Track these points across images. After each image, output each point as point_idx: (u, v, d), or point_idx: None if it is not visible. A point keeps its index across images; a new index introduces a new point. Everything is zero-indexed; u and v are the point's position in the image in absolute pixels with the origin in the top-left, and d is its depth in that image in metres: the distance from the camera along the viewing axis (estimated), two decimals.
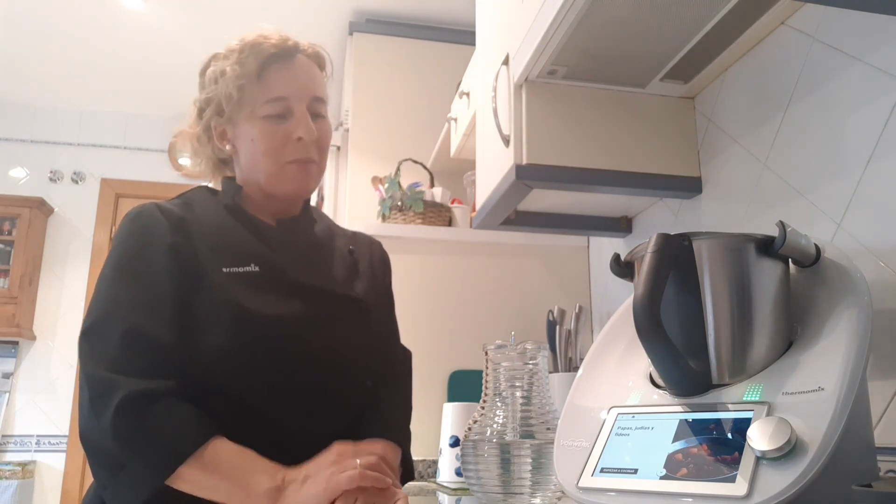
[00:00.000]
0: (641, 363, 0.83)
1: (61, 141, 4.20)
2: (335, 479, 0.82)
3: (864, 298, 0.69)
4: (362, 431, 0.98)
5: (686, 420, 0.71)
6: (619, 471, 0.72)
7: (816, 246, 0.76)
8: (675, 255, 0.73)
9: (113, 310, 0.90)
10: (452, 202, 2.17)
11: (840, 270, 0.74)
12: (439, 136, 2.33)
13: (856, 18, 0.95)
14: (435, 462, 1.75)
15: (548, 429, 0.95)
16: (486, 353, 1.02)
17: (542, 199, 1.52)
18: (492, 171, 1.44)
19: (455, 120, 2.10)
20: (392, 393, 1.09)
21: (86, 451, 0.87)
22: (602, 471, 0.73)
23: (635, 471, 0.70)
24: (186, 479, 0.83)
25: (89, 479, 0.97)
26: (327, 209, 2.58)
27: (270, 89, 1.02)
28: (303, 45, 1.07)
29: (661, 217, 1.52)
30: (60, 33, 3.32)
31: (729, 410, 0.69)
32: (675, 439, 0.70)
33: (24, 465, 3.68)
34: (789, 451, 0.60)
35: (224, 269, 0.95)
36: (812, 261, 0.75)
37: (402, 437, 1.03)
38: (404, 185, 2.11)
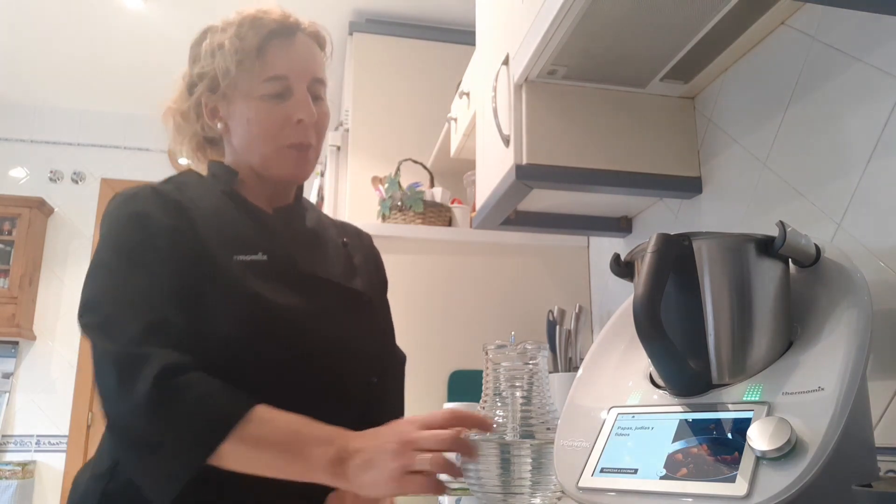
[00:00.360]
0: (641, 363, 0.83)
1: (61, 141, 4.21)
2: (403, 481, 0.74)
3: (864, 298, 0.69)
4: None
5: (686, 420, 0.71)
6: (619, 471, 0.72)
7: (816, 246, 0.76)
8: (675, 255, 0.73)
9: (127, 297, 0.85)
10: (452, 202, 2.17)
11: (840, 270, 0.73)
12: (439, 136, 2.33)
13: (856, 18, 0.95)
14: None
15: (548, 429, 0.95)
16: (486, 353, 1.02)
17: (542, 199, 1.52)
18: (492, 171, 1.44)
19: (455, 120, 2.10)
20: (394, 394, 1.09)
21: (115, 437, 0.82)
22: (602, 471, 0.73)
23: (635, 471, 0.70)
24: (232, 454, 0.77)
25: None
26: (327, 209, 2.58)
27: (270, 67, 0.97)
28: (304, 24, 1.03)
29: (661, 217, 1.52)
30: (60, 33, 3.32)
31: (729, 410, 0.69)
32: (675, 439, 0.70)
33: (24, 465, 3.68)
34: (789, 451, 0.60)
35: (236, 258, 0.91)
36: (812, 261, 0.75)
37: None
38: (404, 185, 2.11)
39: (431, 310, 1.95)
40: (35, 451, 3.83)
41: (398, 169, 2.20)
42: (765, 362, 0.71)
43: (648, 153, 1.33)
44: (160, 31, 3.19)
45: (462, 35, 2.69)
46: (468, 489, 0.97)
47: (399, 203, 2.07)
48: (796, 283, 0.76)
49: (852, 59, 0.95)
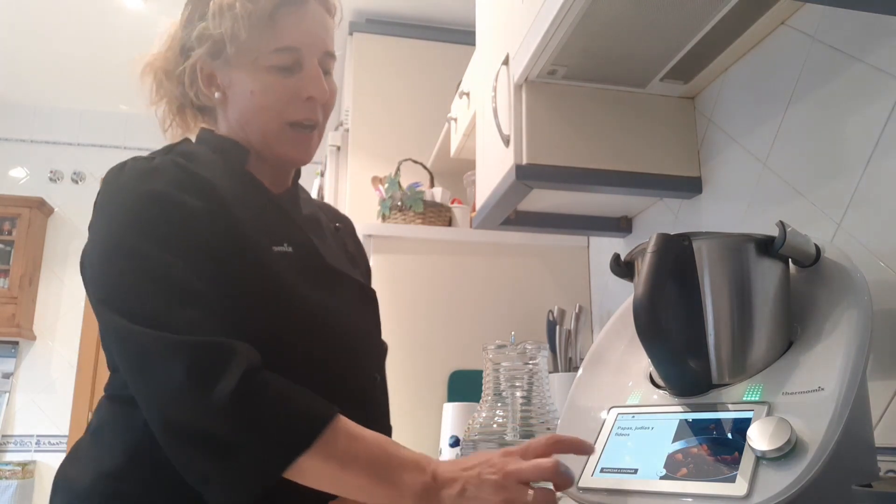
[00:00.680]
0: (641, 363, 0.83)
1: (61, 141, 4.21)
2: None
3: (864, 298, 0.69)
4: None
5: (686, 420, 0.71)
6: (619, 471, 0.72)
7: (816, 246, 0.76)
8: (675, 255, 0.73)
9: (175, 286, 0.74)
10: (452, 202, 2.17)
11: (840, 270, 0.74)
12: (439, 136, 2.33)
13: (856, 18, 0.95)
14: None
15: (548, 429, 0.95)
16: (487, 353, 1.02)
17: (542, 199, 1.52)
18: (492, 171, 1.44)
19: (455, 120, 2.10)
20: (386, 389, 1.07)
21: (178, 440, 0.70)
22: (602, 471, 0.73)
23: (635, 471, 0.70)
24: (313, 468, 0.69)
25: None
26: None
27: (281, 36, 0.89)
28: None
29: (661, 217, 1.52)
30: (60, 33, 3.33)
31: (729, 410, 0.69)
32: (675, 439, 0.70)
33: (24, 465, 3.68)
34: (789, 451, 0.60)
35: (274, 248, 0.83)
36: (812, 261, 0.75)
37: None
38: (404, 185, 2.11)
39: (431, 310, 1.95)
40: (35, 451, 3.83)
41: (398, 169, 2.20)
42: (765, 362, 0.71)
43: (648, 153, 1.33)
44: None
45: (462, 35, 2.69)
46: None
47: (399, 203, 2.07)
48: (796, 283, 0.76)
49: (852, 59, 0.95)
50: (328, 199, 2.63)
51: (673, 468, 0.67)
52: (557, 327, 1.62)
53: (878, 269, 0.88)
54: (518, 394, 0.98)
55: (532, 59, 1.21)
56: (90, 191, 4.16)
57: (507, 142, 1.31)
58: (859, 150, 0.93)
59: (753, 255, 0.74)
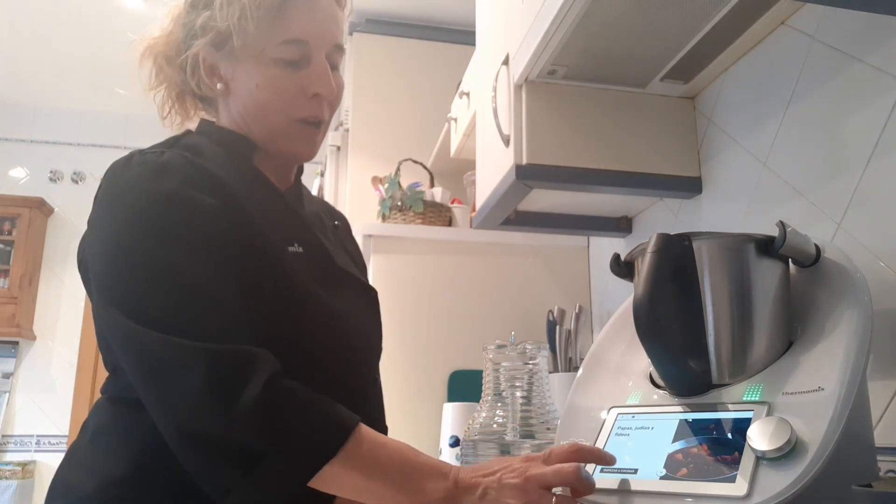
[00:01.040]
0: (641, 363, 0.83)
1: (61, 141, 4.21)
2: None
3: (864, 298, 0.69)
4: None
5: (686, 420, 0.71)
6: (619, 471, 0.72)
7: (816, 246, 0.76)
8: (675, 255, 0.73)
9: (199, 290, 0.72)
10: (452, 202, 2.17)
11: (840, 270, 0.74)
12: (439, 136, 2.33)
13: (856, 18, 0.95)
14: None
15: (548, 429, 0.95)
16: (487, 353, 1.02)
17: (542, 199, 1.52)
18: (492, 171, 1.44)
19: (455, 120, 2.10)
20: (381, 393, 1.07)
21: (198, 450, 0.68)
22: (602, 471, 0.73)
23: (635, 471, 0.70)
24: (337, 476, 0.68)
25: None
26: None
27: (290, 28, 0.85)
28: None
29: (661, 217, 1.52)
30: (60, 33, 3.33)
31: (729, 410, 0.69)
32: (675, 439, 0.70)
33: (24, 465, 3.69)
34: (789, 451, 0.60)
35: (290, 249, 0.81)
36: (812, 261, 0.75)
37: None
38: (404, 185, 2.11)
39: (431, 310, 1.95)
40: (35, 451, 3.83)
41: (398, 169, 2.20)
42: (765, 362, 0.71)
43: (648, 153, 1.33)
44: None
45: (462, 35, 2.69)
46: None
47: (399, 203, 2.07)
48: (796, 283, 0.76)
49: (852, 59, 0.95)
50: (328, 199, 2.63)
51: (673, 468, 0.67)
52: (557, 327, 1.62)
53: (878, 269, 0.88)
54: (518, 394, 0.98)
55: (532, 60, 1.21)
56: (90, 191, 4.14)
57: (507, 142, 1.31)
58: (859, 150, 0.93)
59: (753, 255, 0.74)
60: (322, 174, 2.93)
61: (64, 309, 4.01)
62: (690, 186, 1.34)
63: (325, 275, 0.86)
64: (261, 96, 0.87)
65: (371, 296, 0.99)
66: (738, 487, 0.61)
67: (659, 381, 0.78)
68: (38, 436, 3.85)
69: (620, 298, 1.65)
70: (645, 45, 1.18)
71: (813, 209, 1.01)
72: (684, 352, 0.73)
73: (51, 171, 4.18)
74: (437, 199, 2.12)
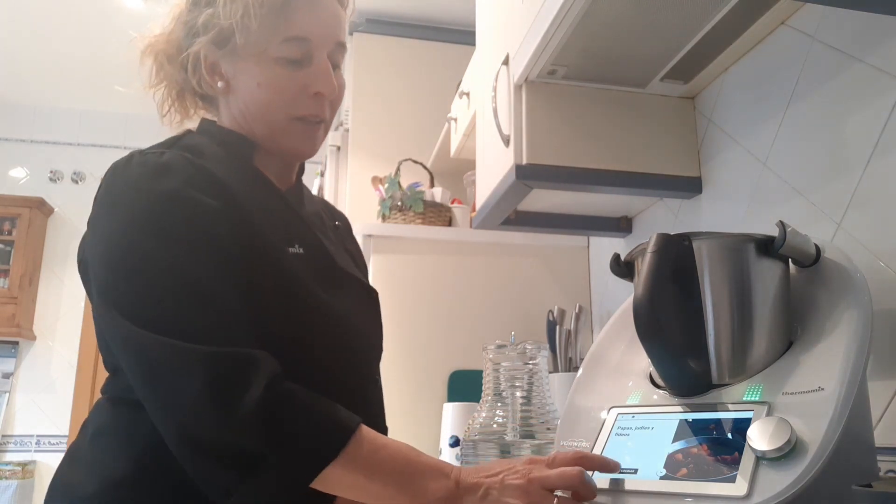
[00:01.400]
0: (641, 363, 0.83)
1: (61, 141, 4.21)
2: None
3: (864, 298, 0.69)
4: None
5: (686, 420, 0.71)
6: (620, 471, 0.72)
7: (816, 246, 0.76)
8: (675, 255, 0.73)
9: (198, 292, 0.72)
10: (452, 202, 2.17)
11: (840, 270, 0.74)
12: (439, 136, 2.33)
13: (856, 18, 0.95)
14: None
15: (548, 429, 0.95)
16: (487, 353, 1.02)
17: (542, 199, 1.52)
18: (492, 171, 1.44)
19: (455, 120, 2.10)
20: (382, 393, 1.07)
21: (199, 453, 0.68)
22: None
23: (635, 471, 0.70)
24: (338, 477, 0.69)
25: None
26: None
27: (292, 25, 0.85)
28: None
29: (661, 217, 1.52)
30: (60, 33, 3.33)
31: (729, 410, 0.69)
32: (675, 439, 0.70)
33: (24, 465, 3.69)
34: (789, 451, 0.60)
35: (290, 250, 0.81)
36: (812, 261, 0.75)
37: None
38: (404, 185, 2.11)
39: (431, 310, 1.95)
40: (35, 451, 3.83)
41: (398, 169, 2.20)
42: (765, 362, 0.71)
43: (648, 153, 1.33)
44: None
45: (462, 35, 2.69)
46: None
47: (399, 203, 2.07)
48: (796, 283, 0.76)
49: (852, 59, 0.95)
50: (328, 199, 2.63)
51: (673, 468, 0.67)
52: (557, 327, 1.62)
53: (878, 269, 0.88)
54: (518, 394, 0.98)
55: (532, 60, 1.21)
56: (90, 191, 4.14)
57: (507, 142, 1.31)
58: (859, 150, 0.93)
59: (753, 255, 0.74)
60: (322, 174, 2.93)
61: (64, 309, 4.01)
62: (690, 186, 1.34)
63: (326, 275, 0.86)
64: (262, 95, 0.87)
65: (372, 296, 0.99)
66: (738, 487, 0.61)
67: (659, 381, 0.78)
68: (38, 436, 3.85)
69: (620, 298, 1.65)
70: (645, 45, 1.18)
71: (813, 209, 1.01)
72: (684, 352, 0.73)
73: (51, 171, 4.18)
74: (437, 199, 2.12)
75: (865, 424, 0.68)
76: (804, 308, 0.74)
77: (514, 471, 0.70)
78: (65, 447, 3.81)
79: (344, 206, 2.50)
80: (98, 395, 0.86)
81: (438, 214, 2.09)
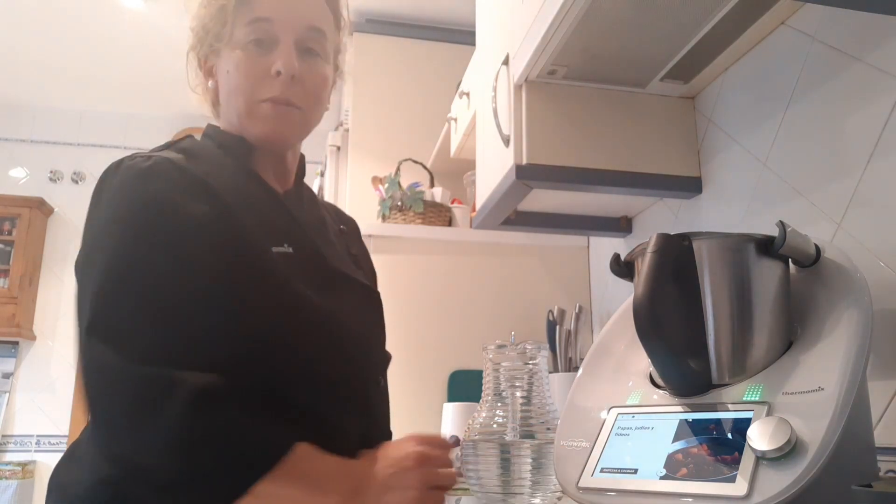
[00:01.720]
0: (641, 363, 0.83)
1: (61, 141, 4.21)
2: (428, 497, 0.74)
3: (864, 298, 0.69)
4: (377, 439, 0.97)
5: (686, 420, 0.71)
6: (619, 471, 0.72)
7: (816, 246, 0.76)
8: (675, 255, 0.73)
9: (141, 293, 0.72)
10: (452, 202, 2.17)
11: (840, 270, 0.73)
12: (439, 136, 2.33)
13: (856, 18, 0.95)
14: None
15: (548, 429, 0.95)
16: (487, 353, 1.02)
17: (542, 199, 1.52)
18: (492, 171, 1.44)
19: (455, 120, 2.10)
20: (387, 395, 1.08)
21: (120, 465, 0.70)
22: (602, 471, 0.73)
23: (635, 471, 0.70)
24: (257, 492, 0.68)
25: None
26: None
27: (255, 8, 0.87)
28: None
29: (661, 217, 1.52)
30: (60, 33, 3.33)
31: (729, 410, 0.69)
32: (675, 439, 0.70)
33: (24, 465, 3.68)
34: (789, 451, 0.60)
35: (274, 249, 0.81)
36: (812, 261, 0.75)
37: None
38: (404, 185, 2.11)
39: (431, 310, 1.95)
40: (35, 451, 3.83)
41: (398, 169, 2.20)
42: (765, 362, 0.71)
43: (648, 153, 1.33)
44: (160, 31, 3.19)
45: (462, 35, 2.69)
46: (468, 489, 0.97)
47: (399, 203, 2.07)
48: (796, 283, 0.76)
49: (852, 59, 0.95)
50: (328, 199, 2.63)
51: (673, 468, 0.67)
52: (557, 327, 1.62)
53: (878, 269, 0.88)
54: (518, 394, 0.98)
55: (532, 60, 1.21)
56: (90, 191, 4.14)
57: (507, 142, 1.31)
58: (859, 150, 0.93)
59: (753, 255, 0.74)
60: (322, 174, 2.93)
61: (64, 309, 4.01)
62: (690, 186, 1.34)
63: (316, 275, 0.86)
64: (231, 81, 0.88)
65: (373, 299, 0.99)
66: (738, 487, 0.61)
67: (659, 381, 0.78)
68: (38, 436, 3.85)
69: (620, 298, 1.65)
70: (645, 45, 1.18)
71: (813, 209, 1.01)
72: (684, 352, 0.73)
73: (51, 171, 4.18)
74: (437, 199, 2.12)
75: (865, 424, 0.68)
76: (804, 308, 0.74)
77: (406, 454, 0.77)
78: (65, 447, 3.81)
79: (344, 206, 2.50)
80: None
81: (438, 214, 2.09)
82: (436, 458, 0.77)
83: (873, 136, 0.91)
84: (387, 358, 1.02)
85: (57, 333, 3.98)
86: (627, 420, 0.77)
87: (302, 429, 0.77)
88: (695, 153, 1.36)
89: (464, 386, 1.89)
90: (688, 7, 1.06)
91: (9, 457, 3.77)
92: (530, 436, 0.94)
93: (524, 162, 1.27)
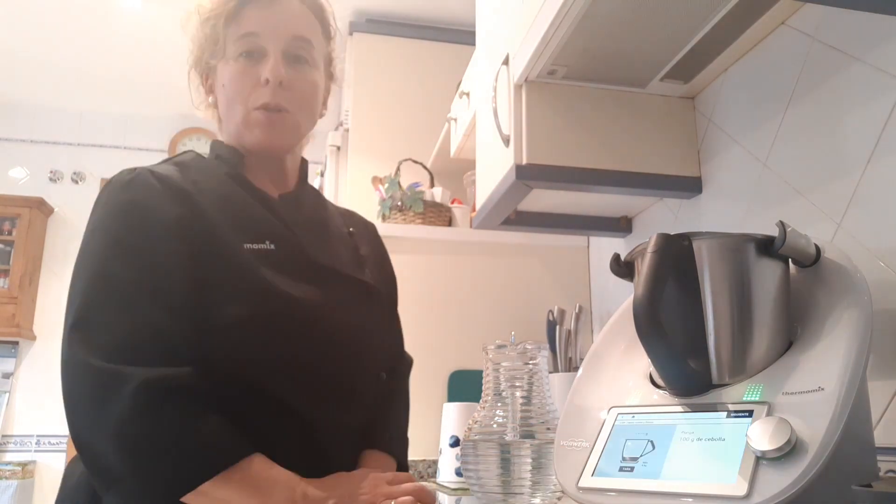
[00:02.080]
0: (641, 363, 0.83)
1: (61, 141, 4.21)
2: None
3: (864, 298, 0.69)
4: (372, 435, 0.97)
5: (686, 420, 0.71)
6: (619, 471, 0.72)
7: (816, 246, 0.76)
8: (675, 255, 0.73)
9: (112, 292, 0.79)
10: (452, 202, 2.17)
11: (840, 270, 0.73)
12: (439, 136, 2.33)
13: (856, 18, 0.95)
14: (435, 462, 1.75)
15: (548, 429, 0.95)
16: (486, 353, 1.02)
17: (542, 199, 1.52)
18: (492, 171, 1.44)
19: (455, 120, 2.10)
20: (400, 395, 1.08)
21: (80, 453, 0.75)
22: (602, 471, 0.73)
23: (635, 471, 0.70)
24: (199, 492, 0.73)
25: None
26: None
27: (243, 24, 0.94)
28: None
29: (661, 217, 1.52)
30: (60, 33, 3.33)
31: (729, 410, 0.69)
32: (675, 439, 0.70)
33: (24, 465, 3.68)
34: (789, 451, 0.60)
35: (246, 246, 0.86)
36: (812, 261, 0.75)
37: (403, 449, 1.03)
38: (404, 185, 2.11)
39: (431, 310, 1.95)
40: (35, 451, 3.83)
41: (398, 169, 2.20)
42: (765, 362, 0.71)
43: (648, 153, 1.33)
44: (159, 30, 3.19)
45: (462, 35, 2.69)
46: (468, 489, 0.97)
47: (399, 203, 2.07)
48: (796, 283, 0.76)
49: (852, 59, 0.95)
50: (328, 199, 2.63)
51: (673, 468, 0.67)
52: (557, 327, 1.62)
53: (878, 269, 0.88)
54: (518, 394, 0.98)
55: (532, 59, 1.21)
56: (90, 191, 4.16)
57: (507, 142, 1.31)
58: (859, 150, 0.93)
59: (753, 255, 0.74)
60: (322, 174, 2.93)
61: (64, 309, 4.01)
62: (690, 186, 1.34)
63: (299, 269, 0.90)
64: (228, 92, 0.95)
65: (368, 293, 1.00)
66: (738, 487, 0.61)
67: (659, 381, 0.78)
68: (38, 436, 3.85)
69: (620, 298, 1.65)
70: (645, 45, 1.18)
71: (813, 209, 1.01)
72: (684, 352, 0.72)
73: (51, 171, 4.17)
74: (437, 199, 2.12)
75: (865, 424, 0.68)
76: (804, 308, 0.74)
77: (360, 489, 0.79)
78: (65, 447, 3.81)
79: (344, 206, 2.49)
80: None
81: (438, 214, 2.09)
82: (396, 492, 0.79)
83: (873, 136, 0.91)
84: (391, 349, 1.05)
85: (57, 333, 3.96)
86: (627, 420, 0.77)
87: (270, 417, 0.82)
88: (695, 153, 1.36)
89: (464, 386, 1.89)
90: (688, 7, 1.06)
91: (9, 457, 3.77)
92: (530, 436, 0.94)
93: (524, 162, 1.27)
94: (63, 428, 3.61)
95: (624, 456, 0.73)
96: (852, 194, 0.94)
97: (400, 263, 1.95)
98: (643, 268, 0.72)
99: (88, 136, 4.23)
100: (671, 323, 0.72)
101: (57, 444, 3.84)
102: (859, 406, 0.65)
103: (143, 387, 0.73)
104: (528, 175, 1.27)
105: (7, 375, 3.89)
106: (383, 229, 1.98)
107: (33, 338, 3.94)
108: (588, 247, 2.02)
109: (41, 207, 3.99)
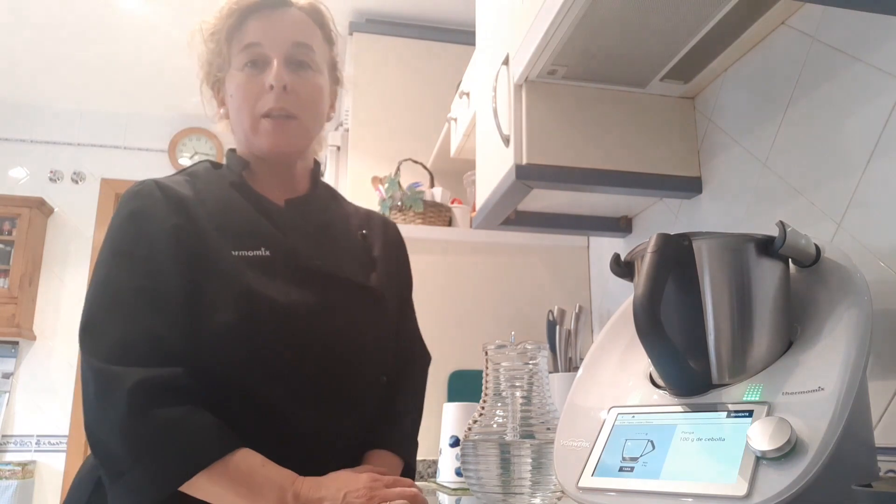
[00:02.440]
0: (641, 363, 0.83)
1: (61, 141, 4.21)
2: None
3: (864, 298, 0.69)
4: (376, 436, 0.98)
5: (686, 420, 0.71)
6: (619, 471, 0.72)
7: (816, 246, 0.76)
8: (675, 255, 0.73)
9: (113, 298, 0.85)
10: (452, 202, 2.17)
11: (840, 270, 0.73)
12: (439, 136, 2.33)
13: (856, 18, 0.95)
14: (435, 462, 1.75)
15: (548, 429, 0.95)
16: (486, 353, 1.02)
17: (542, 199, 1.52)
18: (492, 171, 1.44)
19: (455, 120, 2.10)
20: (408, 395, 1.08)
21: (92, 448, 0.81)
22: (602, 471, 0.73)
23: (635, 471, 0.70)
24: (195, 484, 0.77)
25: None
26: None
27: (246, 35, 0.97)
28: (297, 1, 1.01)
29: (661, 217, 1.52)
30: (60, 33, 3.33)
31: (729, 410, 0.69)
32: (675, 439, 0.70)
33: (24, 465, 3.68)
34: (789, 451, 0.60)
35: (234, 252, 0.89)
36: (812, 261, 0.75)
37: (411, 450, 1.03)
38: (404, 185, 2.11)
39: (431, 310, 1.95)
40: (35, 451, 3.82)
41: (398, 169, 2.20)
42: (765, 362, 0.71)
43: (648, 153, 1.33)
44: (160, 30, 3.19)
45: (462, 35, 2.69)
46: (468, 489, 0.97)
47: (399, 203, 2.07)
48: (796, 283, 0.76)
49: (852, 59, 0.95)
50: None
51: (673, 468, 0.67)
52: (557, 327, 1.62)
53: (878, 269, 0.88)
54: (518, 394, 0.98)
55: (532, 59, 1.21)
56: (90, 191, 4.16)
57: (507, 142, 1.31)
58: (859, 150, 0.93)
59: (753, 255, 0.74)
60: (322, 174, 2.93)
61: (64, 309, 4.00)
62: (690, 186, 1.34)
63: (294, 275, 0.92)
64: (235, 102, 0.98)
65: (370, 297, 1.00)
66: (738, 487, 0.61)
67: (659, 381, 0.78)
68: (38, 436, 3.84)
69: (620, 298, 1.65)
70: (645, 45, 1.18)
71: (813, 209, 1.01)
72: (684, 352, 0.73)
73: (51, 171, 4.17)
74: (437, 199, 2.12)
75: (865, 424, 0.68)
76: (804, 308, 0.74)
77: (356, 491, 0.79)
78: (65, 447, 3.81)
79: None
80: None
81: (438, 214, 2.09)
82: (391, 494, 0.80)
83: (873, 136, 0.91)
84: (398, 353, 1.05)
85: (57, 333, 3.98)
86: (627, 420, 0.77)
87: (261, 421, 0.84)
88: (695, 153, 1.36)
89: (464, 386, 1.89)
90: (688, 7, 1.06)
91: (9, 457, 3.77)
92: (530, 436, 0.94)
93: (524, 162, 1.27)
94: (63, 428, 3.61)
95: (624, 456, 0.73)
96: (852, 194, 0.94)
97: None
98: (643, 268, 0.72)
99: (88, 136, 4.23)
100: (671, 323, 0.72)
101: (57, 444, 3.84)
102: (859, 406, 0.65)
103: (137, 387, 0.77)
104: (528, 175, 1.27)
105: (7, 375, 3.89)
106: None
107: (33, 338, 3.93)
108: (588, 247, 2.02)
109: (41, 207, 3.99)
